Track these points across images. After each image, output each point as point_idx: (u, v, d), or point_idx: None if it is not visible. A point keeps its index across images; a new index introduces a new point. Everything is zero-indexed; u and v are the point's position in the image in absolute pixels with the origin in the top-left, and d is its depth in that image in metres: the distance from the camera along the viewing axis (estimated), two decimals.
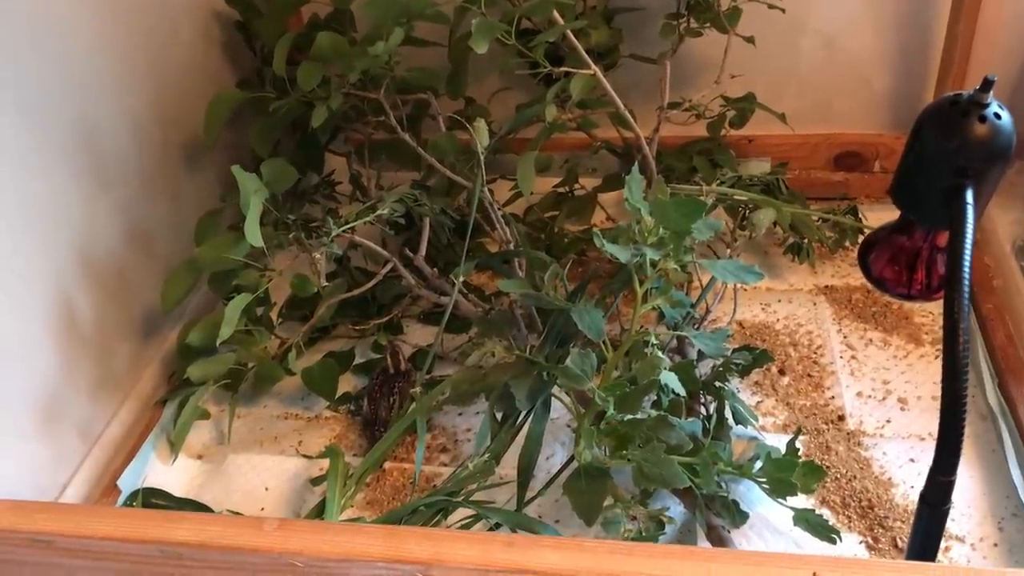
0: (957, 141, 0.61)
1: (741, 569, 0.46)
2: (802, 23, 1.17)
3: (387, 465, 0.90)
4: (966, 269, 0.56)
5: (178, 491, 0.90)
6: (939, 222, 0.65)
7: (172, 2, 1.04)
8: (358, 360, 1.02)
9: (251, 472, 0.92)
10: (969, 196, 0.60)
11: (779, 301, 1.04)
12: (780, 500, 0.76)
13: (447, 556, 0.48)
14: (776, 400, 0.92)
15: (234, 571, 0.51)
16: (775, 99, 1.14)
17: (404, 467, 0.90)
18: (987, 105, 0.60)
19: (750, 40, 1.06)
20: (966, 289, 0.56)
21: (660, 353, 0.77)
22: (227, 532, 0.51)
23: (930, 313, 1.00)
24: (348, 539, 0.50)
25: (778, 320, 1.02)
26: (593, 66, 0.97)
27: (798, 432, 0.81)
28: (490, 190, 1.09)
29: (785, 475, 0.74)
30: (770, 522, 0.80)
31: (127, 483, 0.89)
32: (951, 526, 0.78)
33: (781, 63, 1.21)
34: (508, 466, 0.83)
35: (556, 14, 0.94)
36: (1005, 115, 0.61)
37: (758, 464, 0.76)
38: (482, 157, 0.92)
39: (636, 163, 0.85)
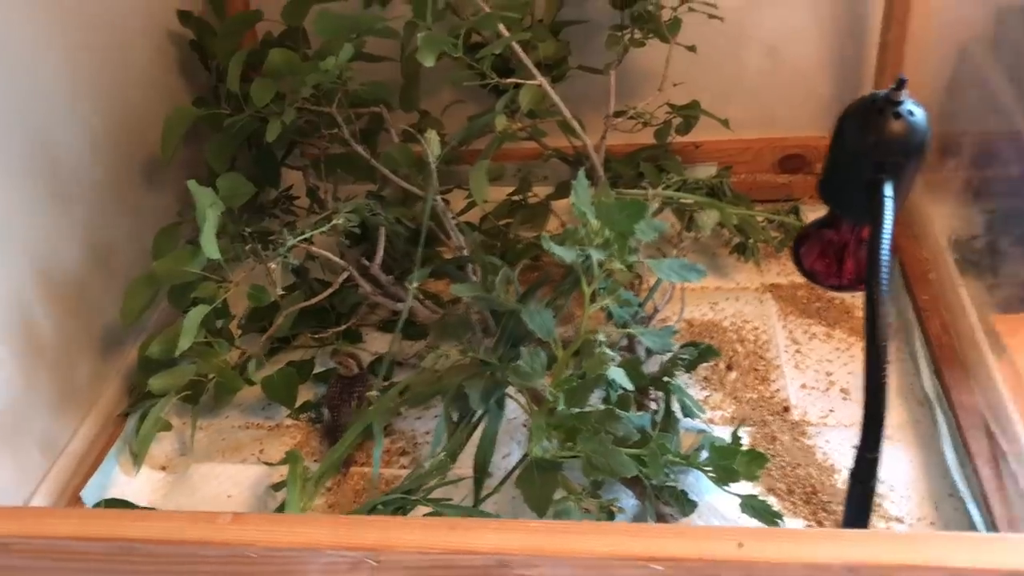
0: (874, 138, 0.64)
1: (674, 542, 0.48)
2: (747, 33, 1.22)
3: (347, 469, 0.92)
4: (885, 258, 0.60)
5: (142, 502, 0.91)
6: (862, 215, 0.68)
7: (127, 22, 1.06)
8: (318, 369, 1.04)
9: (214, 481, 0.94)
10: (888, 190, 0.63)
11: (727, 299, 1.07)
12: (726, 488, 0.79)
13: (394, 541, 0.50)
14: (724, 394, 0.95)
15: (190, 564, 0.53)
16: (722, 105, 1.18)
17: (365, 471, 0.92)
18: (901, 103, 0.64)
19: (692, 49, 1.10)
20: (885, 277, 0.59)
21: (608, 350, 0.80)
22: (183, 527, 0.53)
23: None
24: (299, 529, 0.52)
25: (726, 318, 1.05)
26: (540, 77, 1.00)
27: (741, 422, 0.84)
28: (445, 200, 1.11)
29: (728, 463, 0.77)
30: (718, 510, 0.82)
31: (90, 496, 0.90)
32: (891, 507, 0.82)
33: (727, 71, 1.25)
34: (465, 465, 0.85)
35: (502, 27, 0.97)
36: (919, 112, 0.64)
37: (704, 454, 0.79)
38: (434, 167, 0.94)
39: (582, 170, 0.88)
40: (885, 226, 0.61)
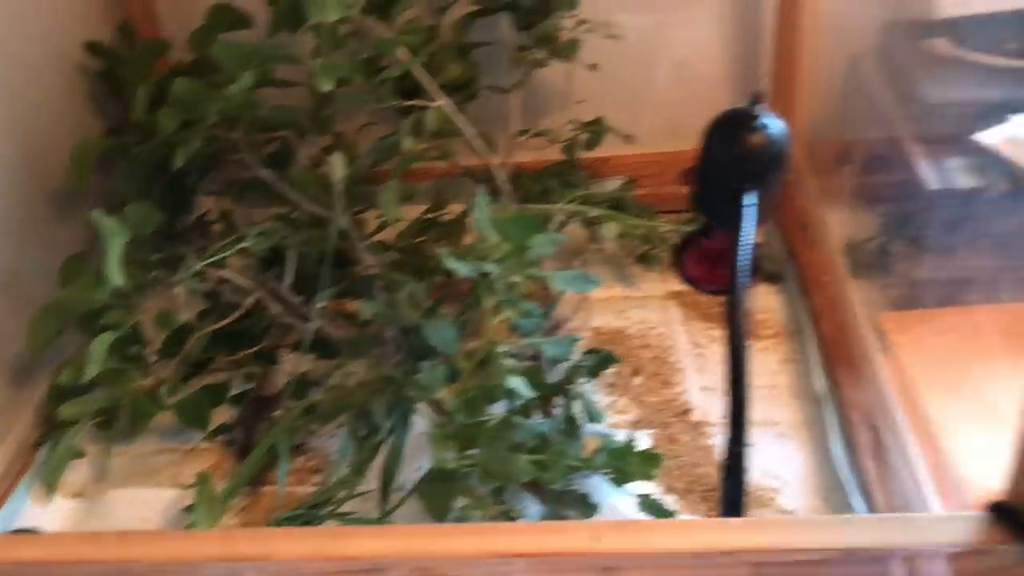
0: (736, 150, 0.68)
1: (537, 539, 0.51)
2: (655, 49, 1.26)
3: (261, 489, 0.94)
4: (745, 261, 0.63)
5: (55, 530, 0.92)
6: (731, 223, 0.72)
7: (34, 54, 1.07)
8: (234, 391, 1.05)
9: (128, 507, 0.94)
10: (749, 198, 0.67)
11: (633, 308, 1.11)
12: (625, 489, 0.82)
13: (276, 551, 0.52)
14: (629, 399, 0.99)
15: None
16: (632, 120, 1.22)
17: (278, 489, 0.94)
18: (758, 116, 0.68)
19: (593, 67, 1.13)
20: (745, 279, 0.62)
21: (508, 360, 0.83)
22: (70, 549, 0.54)
23: (769, 309, 1.08)
24: (184, 544, 0.54)
25: (631, 325, 1.08)
26: (443, 98, 1.03)
27: (636, 424, 0.88)
28: (361, 220, 1.14)
29: (623, 464, 0.80)
30: (618, 511, 0.85)
31: (0, 526, 0.91)
32: (785, 501, 0.86)
33: (636, 86, 1.30)
34: (376, 479, 0.87)
35: (404, 51, 1.00)
36: (776, 124, 0.68)
37: (601, 457, 0.82)
38: (338, 189, 0.97)
39: (481, 187, 0.91)
40: (746, 232, 0.64)
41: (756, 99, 0.68)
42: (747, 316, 0.61)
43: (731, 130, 0.68)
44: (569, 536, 0.49)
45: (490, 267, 0.81)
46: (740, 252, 0.63)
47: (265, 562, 0.53)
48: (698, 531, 0.50)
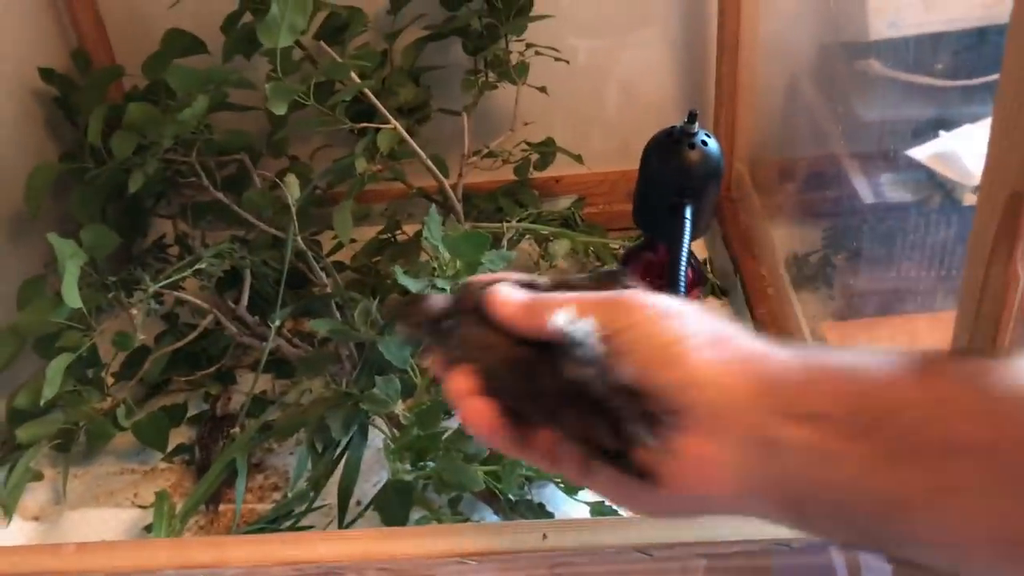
0: (674, 165, 0.71)
1: (486, 539, 0.53)
2: (604, 72, 1.30)
3: (221, 507, 0.94)
4: (682, 271, 0.66)
5: None
6: (670, 236, 0.75)
7: None
8: (192, 412, 1.06)
9: (87, 528, 0.95)
10: (688, 212, 0.70)
11: None
12: (576, 497, 0.84)
13: (230, 557, 0.54)
14: None
15: None
16: (583, 141, 1.26)
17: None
18: (695, 134, 0.71)
19: (543, 90, 1.17)
20: (682, 288, 0.65)
21: None
22: (27, 560, 0.56)
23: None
24: (139, 553, 0.55)
25: None
26: (394, 121, 1.06)
27: None
28: (316, 241, 1.16)
29: None
30: (572, 518, 0.88)
31: None
32: None
33: (586, 108, 1.33)
34: (334, 494, 0.89)
35: (355, 75, 1.03)
36: (712, 142, 0.72)
37: None
38: (294, 209, 0.99)
39: (432, 206, 0.94)
40: (684, 243, 0.67)
41: (692, 117, 0.71)
42: None
43: (670, 147, 0.71)
44: (520, 535, 0.51)
45: (442, 283, 0.83)
46: (679, 262, 0.66)
47: (221, 569, 0.54)
48: (645, 527, 0.52)
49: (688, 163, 0.70)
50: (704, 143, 0.71)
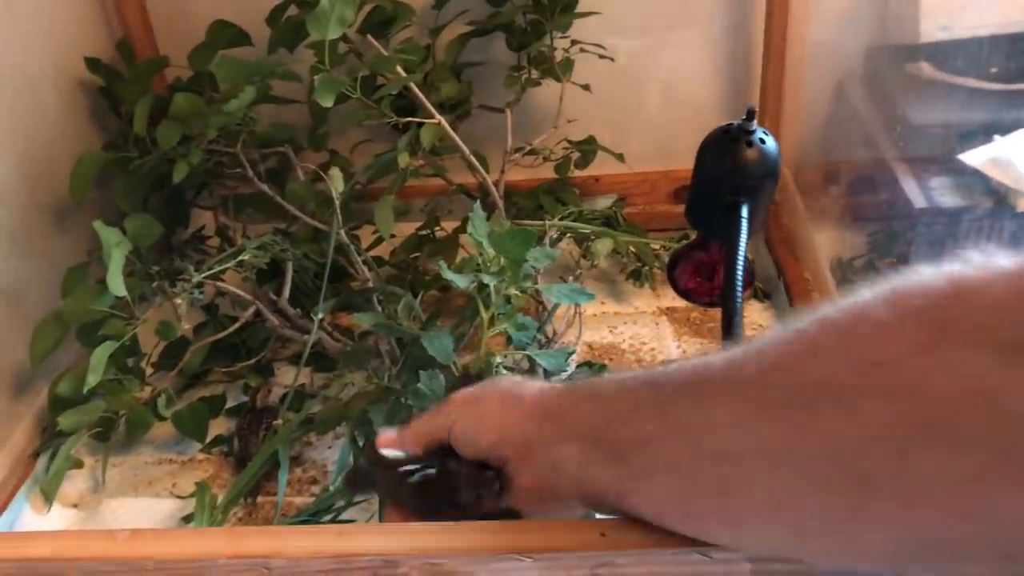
0: (731, 163, 0.70)
1: (545, 535, 0.52)
2: (645, 71, 1.29)
3: (259, 499, 0.94)
4: (740, 272, 0.65)
5: None
6: (725, 235, 0.74)
7: (35, 71, 1.08)
8: (231, 403, 1.06)
9: (126, 516, 0.95)
10: (744, 211, 0.69)
11: (625, 323, 1.13)
12: None
13: (284, 548, 0.53)
14: None
15: None
16: (623, 140, 1.25)
17: (276, 499, 0.94)
18: (753, 132, 0.70)
19: (586, 88, 1.16)
20: (739, 289, 0.64)
21: (505, 371, 0.84)
22: (81, 544, 0.55)
23: (760, 326, 1.10)
24: (194, 541, 0.55)
25: (624, 340, 1.10)
26: (438, 116, 1.05)
27: None
28: (356, 235, 1.15)
29: None
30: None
31: None
32: None
33: (627, 107, 1.32)
34: None
35: (400, 69, 1.02)
36: (769, 140, 0.71)
37: None
38: (337, 203, 0.98)
39: (477, 202, 0.93)
40: (741, 242, 0.66)
41: (751, 115, 0.70)
42: (742, 324, 0.63)
43: (727, 144, 0.70)
44: (579, 533, 0.51)
45: (488, 279, 0.83)
46: (736, 263, 0.65)
47: (274, 559, 0.54)
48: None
49: (745, 161, 0.69)
50: (762, 141, 0.70)
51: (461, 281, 0.82)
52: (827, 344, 0.37)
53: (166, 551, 0.54)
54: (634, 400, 0.44)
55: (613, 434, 0.44)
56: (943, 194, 1.01)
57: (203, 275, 0.91)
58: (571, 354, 0.94)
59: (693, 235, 1.21)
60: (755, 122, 0.70)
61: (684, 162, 1.36)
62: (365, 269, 1.05)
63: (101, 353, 0.89)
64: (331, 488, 0.83)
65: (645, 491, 0.44)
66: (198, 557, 0.54)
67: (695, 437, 0.40)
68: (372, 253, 1.15)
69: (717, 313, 1.12)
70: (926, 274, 0.35)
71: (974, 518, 0.32)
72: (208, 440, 1.00)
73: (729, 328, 0.62)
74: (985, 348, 0.31)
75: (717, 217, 0.72)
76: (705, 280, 0.78)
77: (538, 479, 0.49)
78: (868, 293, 0.36)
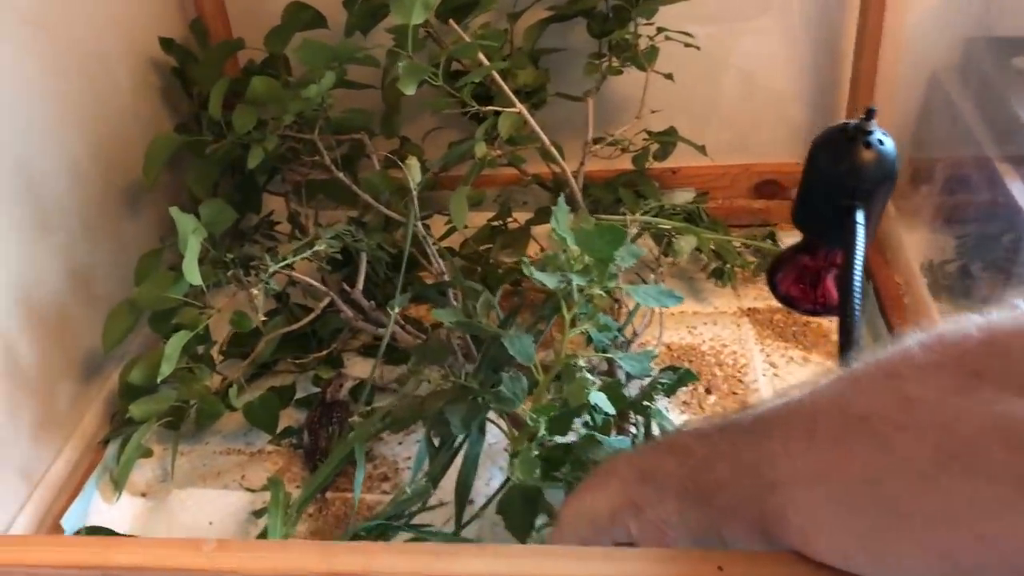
0: (846, 166, 0.66)
1: (659, 567, 0.49)
2: (723, 60, 1.24)
3: (329, 495, 0.92)
4: (858, 282, 0.61)
5: (122, 529, 0.91)
6: (835, 241, 0.70)
7: (109, 51, 1.07)
8: (300, 394, 1.04)
9: (194, 507, 0.93)
10: (859, 216, 0.65)
11: (705, 324, 1.09)
12: None
13: (378, 567, 0.51)
14: (703, 418, 0.96)
15: None
16: (698, 132, 1.20)
17: (346, 496, 0.92)
18: (871, 132, 0.66)
19: (669, 77, 1.11)
20: (858, 301, 0.60)
21: (588, 375, 0.81)
22: (166, 553, 0.53)
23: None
24: (283, 555, 0.52)
25: (704, 342, 1.06)
26: (519, 104, 1.02)
27: None
28: (426, 225, 1.12)
29: None
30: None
31: (70, 523, 0.90)
32: None
33: (703, 98, 1.28)
34: (447, 490, 0.85)
35: (482, 56, 0.99)
36: (888, 141, 0.66)
37: None
38: (415, 193, 0.95)
39: (561, 197, 0.89)
40: (857, 251, 0.62)
41: (870, 114, 0.65)
42: (860, 341, 0.59)
43: (842, 145, 0.65)
44: (694, 565, 0.47)
45: (577, 279, 0.79)
46: (853, 273, 0.60)
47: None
48: None
49: (861, 163, 0.65)
50: (881, 142, 0.65)
51: (549, 281, 0.79)
52: (870, 383, 0.40)
53: (256, 565, 0.52)
54: (711, 447, 0.47)
55: (699, 481, 0.47)
56: None
57: (280, 265, 0.89)
58: (653, 357, 0.90)
59: (778, 233, 1.17)
60: (874, 122, 0.66)
61: (763, 155, 1.32)
62: (439, 261, 1.02)
63: (175, 343, 0.88)
64: (408, 491, 0.81)
65: (731, 525, 0.46)
66: (288, 572, 0.52)
67: (756, 470, 0.43)
68: (443, 244, 1.13)
69: (803, 317, 1.08)
70: (967, 322, 0.38)
71: (999, 544, 0.35)
72: (277, 432, 0.98)
73: (848, 344, 0.58)
74: (1012, 391, 0.35)
75: (828, 221, 0.68)
76: (809, 287, 0.73)
77: (658, 539, 0.51)
78: (914, 338, 0.39)
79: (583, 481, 0.57)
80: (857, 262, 0.62)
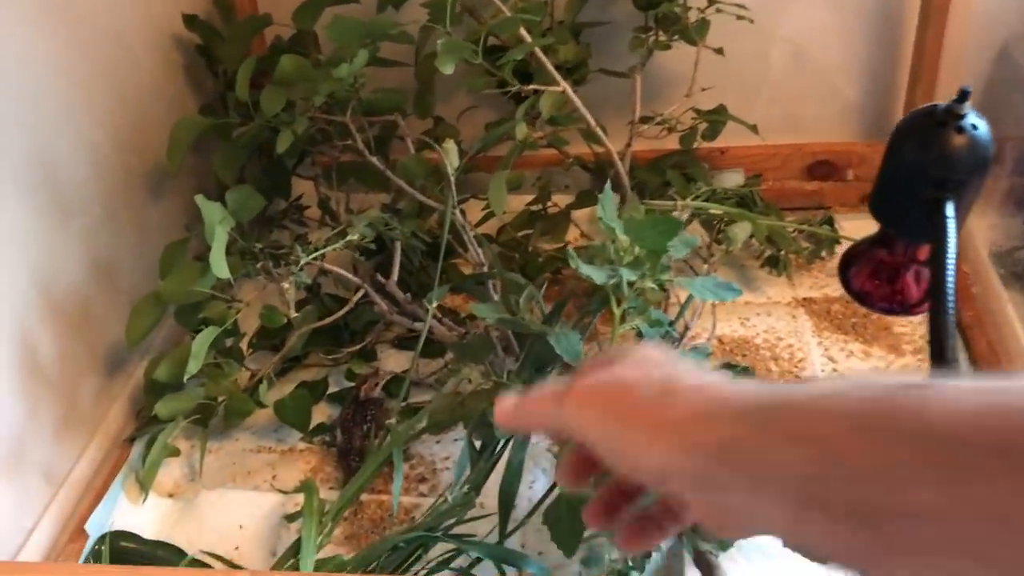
0: (935, 154, 0.59)
1: None
2: (771, 34, 1.17)
3: (364, 497, 0.88)
4: (950, 284, 0.55)
5: (149, 532, 0.87)
6: (920, 235, 0.63)
7: (130, 29, 1.02)
8: (332, 389, 0.99)
9: (224, 509, 0.89)
10: (950, 209, 0.58)
11: (758, 315, 1.03)
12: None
13: None
14: None
15: None
16: (746, 109, 1.13)
17: (382, 499, 0.88)
18: (964, 116, 0.59)
19: (719, 51, 1.05)
20: (951, 305, 0.54)
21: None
22: None
23: (910, 323, 0.99)
24: None
25: (758, 334, 1.00)
26: (563, 82, 0.96)
27: None
28: (461, 210, 1.07)
29: None
30: (760, 545, 0.78)
31: (95, 526, 0.86)
32: None
33: (751, 74, 1.21)
34: (489, 496, 0.80)
35: (523, 31, 0.93)
36: (982, 125, 0.60)
37: None
38: (452, 179, 0.90)
39: (608, 180, 0.84)
40: (949, 249, 0.56)
41: (963, 96, 0.59)
42: (954, 349, 0.53)
43: (930, 130, 0.59)
44: None
45: (627, 274, 0.74)
46: (945, 272, 0.54)
47: None
48: None
49: (952, 150, 0.58)
50: (974, 127, 0.59)
51: (598, 276, 0.73)
52: None
53: None
54: (886, 453, 0.32)
55: (857, 496, 0.33)
56: None
57: (311, 256, 0.84)
58: (708, 354, 0.84)
59: (835, 217, 1.10)
60: (967, 104, 0.59)
61: (816, 134, 1.25)
62: (477, 250, 0.96)
63: (203, 340, 0.83)
64: (449, 498, 0.76)
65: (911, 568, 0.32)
66: None
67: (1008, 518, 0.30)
68: (479, 230, 1.07)
69: (860, 308, 1.01)
70: None
71: None
72: (309, 429, 0.94)
73: (942, 353, 0.52)
74: None
75: (912, 214, 0.62)
76: (885, 283, 0.67)
77: (720, 524, 0.38)
78: None
79: (626, 367, 0.39)
80: (949, 262, 0.55)
